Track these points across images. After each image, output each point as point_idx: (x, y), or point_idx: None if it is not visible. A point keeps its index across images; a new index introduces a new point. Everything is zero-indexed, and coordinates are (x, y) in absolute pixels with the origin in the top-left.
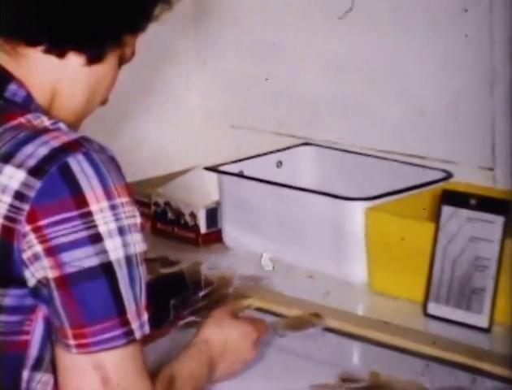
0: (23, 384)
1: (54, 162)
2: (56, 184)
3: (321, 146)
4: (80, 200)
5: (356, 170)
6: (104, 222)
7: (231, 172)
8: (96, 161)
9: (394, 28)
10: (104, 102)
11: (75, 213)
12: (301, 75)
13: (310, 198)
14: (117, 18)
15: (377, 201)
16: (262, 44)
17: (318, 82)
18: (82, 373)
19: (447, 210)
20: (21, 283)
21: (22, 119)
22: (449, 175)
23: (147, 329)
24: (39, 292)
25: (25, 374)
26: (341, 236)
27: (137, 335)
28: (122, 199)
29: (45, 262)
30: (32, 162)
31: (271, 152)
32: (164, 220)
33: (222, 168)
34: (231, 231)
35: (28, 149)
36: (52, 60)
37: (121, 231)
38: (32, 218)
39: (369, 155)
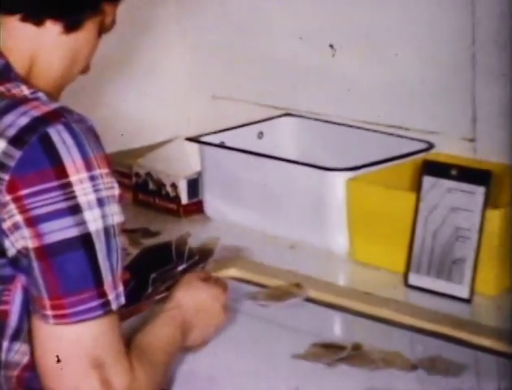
0: (2, 354)
1: (34, 132)
2: (36, 155)
3: (302, 117)
4: (60, 170)
5: (337, 140)
6: (83, 193)
7: (212, 143)
8: (76, 131)
9: None
10: (85, 71)
11: (55, 183)
12: (283, 46)
13: (291, 169)
14: None
15: (358, 172)
16: (242, 15)
17: (299, 53)
18: (59, 344)
19: (428, 180)
20: (1, 252)
21: (1, 88)
22: (430, 146)
23: (122, 300)
24: (18, 262)
25: (4, 344)
26: (323, 207)
27: (114, 306)
28: (101, 170)
29: (25, 232)
30: (12, 132)
31: (253, 123)
32: (145, 191)
33: (203, 139)
34: (212, 201)
35: (8, 118)
36: (29, 28)
37: (100, 202)
38: (12, 187)
39: (350, 126)
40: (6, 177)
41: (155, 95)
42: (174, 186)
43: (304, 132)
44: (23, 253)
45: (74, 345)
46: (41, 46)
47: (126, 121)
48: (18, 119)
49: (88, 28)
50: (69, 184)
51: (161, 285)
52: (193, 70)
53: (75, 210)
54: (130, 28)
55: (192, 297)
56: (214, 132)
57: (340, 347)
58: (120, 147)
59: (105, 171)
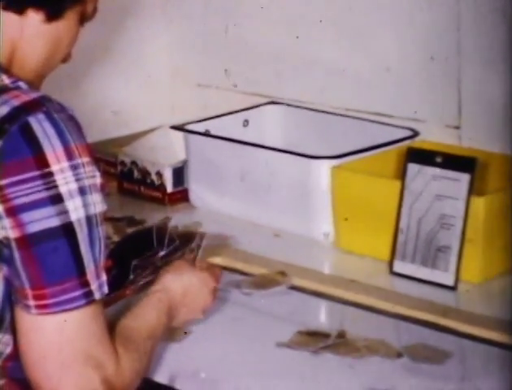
0: None
1: (14, 121)
2: (17, 144)
3: (287, 105)
4: (41, 160)
5: (323, 129)
6: (65, 182)
7: (197, 131)
8: (57, 120)
9: None
10: (66, 60)
11: (36, 173)
12: (268, 33)
13: (276, 157)
14: None
15: (343, 160)
16: (228, 3)
17: (284, 41)
18: (42, 334)
19: (413, 167)
20: None
21: None
22: (415, 134)
23: (105, 289)
24: (0, 253)
25: None
26: (307, 195)
27: (96, 295)
28: (83, 159)
29: (6, 221)
30: None
31: (238, 111)
32: (130, 179)
33: (188, 127)
34: (197, 190)
35: None
36: (11, 17)
37: (82, 191)
38: None
39: (336, 114)
40: None
41: (140, 83)
42: (159, 174)
43: (289, 120)
44: (4, 243)
45: (57, 336)
46: (22, 35)
47: (111, 109)
48: None
49: (70, 17)
50: (50, 174)
51: (142, 271)
52: (178, 58)
53: (57, 199)
54: (115, 17)
55: (180, 280)
56: (200, 121)
57: (325, 335)
58: (105, 136)
59: (86, 159)
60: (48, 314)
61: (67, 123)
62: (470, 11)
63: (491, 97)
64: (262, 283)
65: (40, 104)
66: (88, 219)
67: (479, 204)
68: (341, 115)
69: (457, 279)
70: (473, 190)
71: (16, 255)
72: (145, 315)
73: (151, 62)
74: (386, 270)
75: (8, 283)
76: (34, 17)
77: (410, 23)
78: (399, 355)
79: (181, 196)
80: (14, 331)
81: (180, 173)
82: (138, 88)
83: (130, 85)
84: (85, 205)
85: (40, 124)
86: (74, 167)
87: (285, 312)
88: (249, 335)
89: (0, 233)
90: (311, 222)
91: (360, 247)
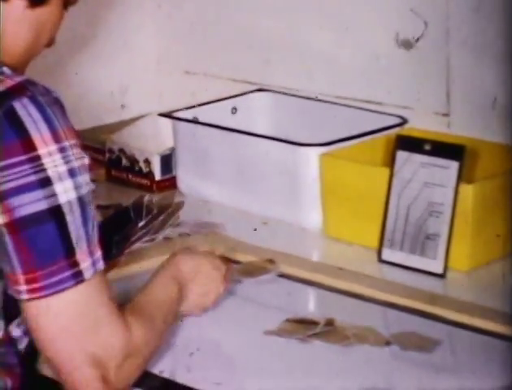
0: None
1: None
2: (2, 129)
3: (276, 92)
4: (27, 144)
5: (311, 116)
6: (54, 165)
7: (185, 118)
8: (42, 104)
9: None
10: (50, 44)
11: (23, 157)
12: (257, 20)
13: (265, 144)
14: None
15: (331, 147)
16: None
17: (273, 28)
18: (47, 319)
19: (401, 155)
20: None
21: None
22: (403, 121)
23: (101, 264)
24: None
25: None
26: (296, 182)
27: (88, 274)
28: (70, 141)
29: None
30: None
31: (226, 98)
32: (118, 167)
33: (176, 114)
34: (185, 177)
35: None
36: None
37: (72, 173)
38: None
39: (324, 101)
40: None
41: (128, 70)
42: (147, 162)
43: (278, 108)
44: None
45: (61, 316)
46: (6, 20)
47: (99, 96)
48: None
49: (54, 2)
50: (38, 157)
51: (125, 242)
52: (165, 45)
53: (45, 182)
54: (102, 2)
55: (192, 260)
56: (188, 108)
57: (313, 322)
58: (93, 123)
59: (73, 141)
60: (39, 297)
61: (53, 107)
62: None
63: (480, 84)
64: (251, 270)
65: (24, 88)
66: (81, 200)
67: (468, 191)
68: (330, 103)
69: (445, 267)
70: (462, 178)
71: (7, 240)
72: (156, 289)
73: (139, 49)
74: (374, 258)
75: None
76: (18, 3)
77: (398, 11)
78: (388, 343)
79: (169, 183)
80: (5, 316)
81: (168, 161)
82: (126, 75)
83: (117, 72)
84: (77, 187)
85: (25, 108)
86: (62, 150)
87: (273, 300)
88: (237, 322)
89: None
90: (300, 209)
91: (348, 235)
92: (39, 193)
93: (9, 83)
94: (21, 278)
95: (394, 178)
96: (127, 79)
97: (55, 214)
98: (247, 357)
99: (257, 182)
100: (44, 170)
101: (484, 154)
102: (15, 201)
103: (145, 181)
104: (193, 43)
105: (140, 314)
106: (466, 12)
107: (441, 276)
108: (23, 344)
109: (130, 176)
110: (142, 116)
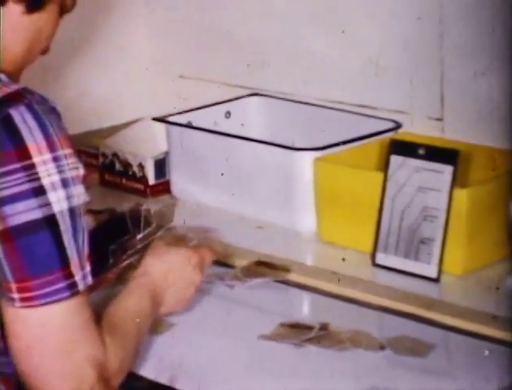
0: None
1: None
2: None
3: (270, 97)
4: (22, 152)
5: (305, 120)
6: (47, 174)
7: (179, 123)
8: (38, 112)
9: None
10: (45, 52)
11: (18, 165)
12: (251, 25)
13: (259, 149)
14: None
15: (326, 152)
16: None
17: (267, 32)
18: (26, 327)
19: (395, 159)
20: None
21: None
22: (397, 126)
23: (90, 280)
24: None
25: None
26: (290, 187)
27: (81, 286)
28: (65, 151)
29: None
30: None
31: (220, 102)
32: (112, 171)
33: (170, 119)
34: (179, 182)
35: None
36: None
37: (64, 183)
38: None
39: (318, 105)
40: None
41: (122, 75)
42: (141, 166)
43: (271, 112)
44: None
45: (40, 328)
46: (2, 27)
47: (92, 101)
48: None
49: (50, 9)
50: (32, 166)
51: (122, 254)
52: (160, 49)
53: (39, 191)
54: (96, 7)
55: (159, 261)
56: (182, 112)
57: (308, 327)
58: (87, 127)
59: (68, 151)
60: (32, 306)
61: (49, 115)
62: (453, 3)
63: (474, 89)
64: (246, 275)
65: (21, 96)
66: (71, 211)
67: (462, 196)
68: (324, 107)
69: (440, 271)
70: (456, 182)
71: (0, 248)
72: (128, 302)
73: (133, 54)
74: (368, 262)
75: None
76: (15, 8)
77: (392, 16)
78: (382, 347)
79: (163, 188)
80: (1, 325)
81: (161, 165)
82: (120, 80)
83: (112, 77)
84: (68, 197)
85: (21, 116)
86: (56, 159)
87: (268, 304)
88: (232, 327)
89: None
90: (294, 213)
91: (343, 239)
92: (33, 202)
93: (6, 90)
94: (13, 286)
95: (388, 182)
96: (121, 83)
97: (50, 223)
98: (241, 361)
99: (251, 186)
100: (38, 178)
101: (478, 159)
102: (8, 209)
103: (138, 185)
104: (187, 47)
105: (116, 331)
106: (460, 16)
107: (435, 280)
108: None
109: (124, 181)
110: (136, 120)
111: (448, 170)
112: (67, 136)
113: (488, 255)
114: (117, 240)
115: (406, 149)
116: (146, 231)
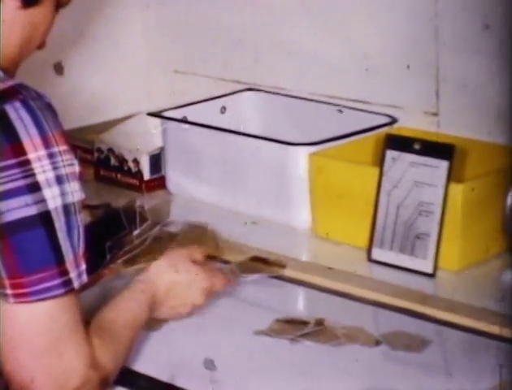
0: None
1: None
2: None
3: (265, 92)
4: (17, 148)
5: (301, 115)
6: (42, 170)
7: (174, 118)
8: (33, 108)
9: None
10: (41, 47)
11: (12, 161)
12: (246, 19)
13: (254, 144)
14: None
15: (321, 146)
16: None
17: (262, 27)
18: (13, 324)
19: (391, 154)
20: None
21: None
22: (393, 120)
23: (85, 278)
24: None
25: None
26: (285, 182)
27: (75, 284)
28: (60, 147)
29: None
30: None
31: (215, 97)
32: (107, 167)
33: (165, 114)
34: (174, 177)
35: None
36: None
37: (59, 179)
38: None
39: (313, 100)
40: None
41: (117, 70)
42: (136, 162)
43: (267, 107)
44: None
45: (27, 326)
46: None
47: (87, 96)
48: None
49: (46, 4)
50: (27, 162)
51: (119, 250)
52: (154, 44)
53: (34, 187)
54: (91, 2)
55: (169, 274)
56: (177, 107)
57: (303, 322)
58: (82, 122)
59: (64, 148)
60: (25, 302)
61: (44, 111)
62: None
63: (469, 83)
64: (241, 270)
65: (16, 92)
66: (66, 208)
67: (458, 191)
68: (319, 102)
69: (435, 267)
70: (451, 177)
71: None
72: (125, 306)
73: (128, 49)
74: (364, 258)
75: None
76: (10, 3)
77: (387, 10)
78: (377, 343)
79: (158, 183)
80: None
81: (157, 160)
82: (115, 75)
83: (106, 72)
84: (63, 194)
85: (16, 112)
86: (51, 156)
87: (263, 300)
88: (227, 323)
89: None
90: (289, 209)
91: (338, 234)
92: (28, 198)
93: (1, 86)
94: (7, 282)
95: (384, 177)
96: (116, 78)
97: (45, 219)
98: (237, 357)
99: (246, 181)
100: (33, 175)
101: (474, 154)
102: (3, 205)
103: (133, 181)
104: (182, 42)
105: (106, 334)
106: (456, 11)
107: (431, 276)
108: None
109: (119, 176)
110: (131, 116)
111: (443, 165)
112: (63, 132)
113: (483, 250)
114: (113, 236)
115: (402, 144)
116: (142, 227)
